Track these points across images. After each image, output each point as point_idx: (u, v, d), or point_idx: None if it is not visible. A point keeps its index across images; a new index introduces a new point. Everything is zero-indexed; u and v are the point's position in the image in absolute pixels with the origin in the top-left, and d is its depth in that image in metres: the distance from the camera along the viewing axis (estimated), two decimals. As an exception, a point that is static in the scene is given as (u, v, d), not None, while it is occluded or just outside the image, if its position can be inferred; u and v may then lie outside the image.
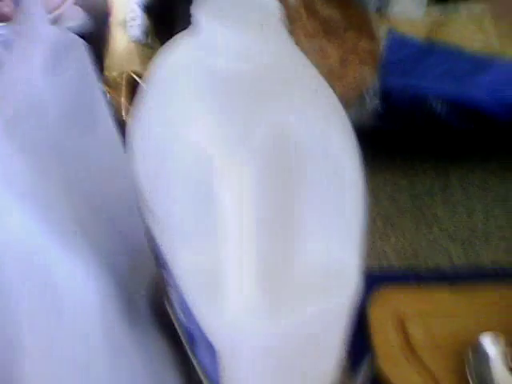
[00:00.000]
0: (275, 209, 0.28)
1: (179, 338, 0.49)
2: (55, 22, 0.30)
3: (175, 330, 0.50)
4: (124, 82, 0.57)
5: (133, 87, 0.58)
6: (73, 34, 0.31)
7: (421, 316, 0.50)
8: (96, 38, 0.32)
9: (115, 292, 0.37)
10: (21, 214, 0.27)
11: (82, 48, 0.32)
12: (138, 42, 0.61)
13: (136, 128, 0.34)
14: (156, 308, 0.47)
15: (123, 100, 0.57)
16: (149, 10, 0.64)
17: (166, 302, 0.50)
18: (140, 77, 0.58)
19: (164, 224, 0.33)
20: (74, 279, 0.30)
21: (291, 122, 0.27)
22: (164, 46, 0.32)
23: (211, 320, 0.32)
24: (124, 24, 0.62)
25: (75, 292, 0.30)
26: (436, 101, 0.59)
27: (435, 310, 0.50)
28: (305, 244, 0.30)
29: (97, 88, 0.34)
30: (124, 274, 0.40)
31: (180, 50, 0.30)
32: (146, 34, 0.62)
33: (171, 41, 0.32)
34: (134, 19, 0.62)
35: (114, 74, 0.58)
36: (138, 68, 0.58)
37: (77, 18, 0.30)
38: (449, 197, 0.64)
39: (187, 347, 0.47)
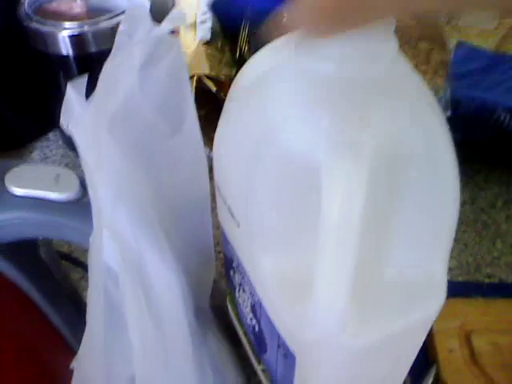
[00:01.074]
0: (375, 220, 0.27)
1: (238, 342, 0.49)
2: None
3: (234, 334, 0.50)
4: (194, 84, 0.57)
5: (201, 90, 0.58)
6: (170, 35, 0.31)
7: (487, 330, 0.49)
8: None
9: (188, 290, 0.37)
10: (122, 212, 0.27)
11: (178, 49, 0.32)
12: (207, 44, 0.61)
13: (223, 133, 0.34)
14: (215, 312, 0.47)
15: (192, 102, 0.57)
16: (217, 12, 0.64)
17: (229, 306, 0.50)
18: (209, 79, 0.58)
19: (248, 229, 0.33)
20: (162, 274, 0.31)
21: (397, 131, 0.26)
22: (254, 51, 0.32)
23: (295, 328, 0.31)
24: (193, 27, 0.63)
25: (164, 286, 0.31)
26: (504, 113, 0.58)
27: (503, 325, 0.49)
28: (397, 256, 0.30)
29: (188, 88, 0.34)
30: (193, 276, 0.40)
31: (277, 55, 0.30)
32: (215, 37, 0.62)
33: (261, 47, 0.32)
34: (204, 22, 0.62)
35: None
36: (206, 71, 0.58)
37: (179, 19, 0.30)
38: (512, 211, 0.63)
39: (251, 352, 0.47)
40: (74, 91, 0.25)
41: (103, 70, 0.28)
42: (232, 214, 0.35)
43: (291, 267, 0.30)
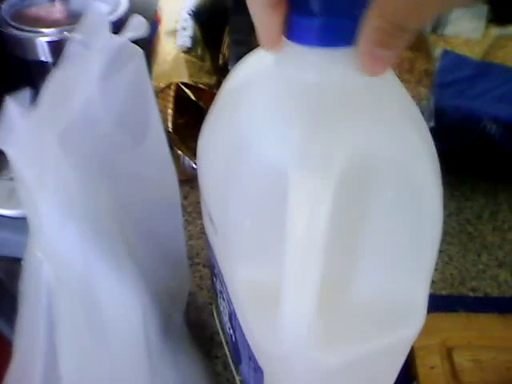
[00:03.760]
0: (344, 234, 0.26)
1: (213, 355, 0.48)
2: (116, 30, 0.29)
3: (209, 346, 0.49)
4: (172, 93, 0.56)
5: (180, 98, 0.57)
6: (132, 44, 0.30)
7: (469, 346, 0.48)
8: (143, 46, 0.31)
9: (155, 308, 0.36)
10: (73, 232, 0.26)
11: (140, 58, 0.31)
12: (187, 52, 0.60)
13: (206, 139, 0.33)
14: (191, 326, 0.46)
15: (170, 111, 0.56)
16: (199, 20, 0.63)
17: (214, 313, 0.49)
18: (188, 87, 0.57)
19: (224, 236, 0.32)
20: (118, 296, 0.29)
21: (372, 144, 0.25)
22: (239, 59, 0.32)
23: (262, 341, 0.30)
24: (174, 33, 0.61)
25: (119, 309, 0.29)
26: (490, 123, 0.57)
27: (485, 341, 0.48)
28: (371, 276, 0.29)
29: (151, 99, 0.33)
30: (163, 290, 0.39)
31: (260, 63, 0.29)
32: (196, 44, 0.61)
33: (247, 55, 0.31)
34: (184, 29, 0.61)
35: (162, 84, 0.57)
36: (186, 79, 0.57)
37: (139, 28, 0.29)
38: (498, 223, 0.61)
39: (231, 362, 0.46)
40: (15, 104, 0.24)
41: (51, 79, 0.26)
42: (212, 221, 0.34)
43: (263, 279, 0.29)
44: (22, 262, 0.27)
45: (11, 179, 0.32)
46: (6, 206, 0.29)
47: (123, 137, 0.31)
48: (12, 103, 0.24)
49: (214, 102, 0.32)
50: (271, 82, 0.27)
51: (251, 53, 0.31)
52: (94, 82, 0.29)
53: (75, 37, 0.28)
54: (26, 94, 0.25)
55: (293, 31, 0.24)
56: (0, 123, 0.24)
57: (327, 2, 0.23)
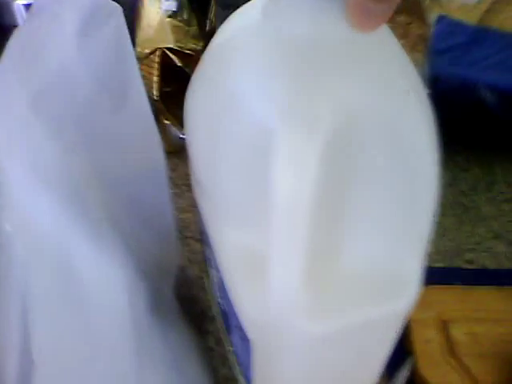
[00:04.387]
0: (332, 198, 0.25)
1: (205, 329, 0.47)
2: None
3: (201, 321, 0.48)
4: (157, 59, 0.54)
5: (167, 66, 0.55)
6: (110, 1, 0.28)
7: (465, 319, 0.46)
8: (127, 10, 0.29)
9: (142, 282, 0.34)
10: (47, 200, 0.24)
11: (118, 15, 0.29)
12: (172, 16, 0.58)
13: (193, 98, 0.31)
14: (182, 301, 0.45)
15: (156, 78, 0.54)
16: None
17: (205, 282, 0.48)
18: (173, 53, 0.55)
19: (212, 199, 0.31)
20: (100, 268, 0.28)
21: (362, 102, 0.23)
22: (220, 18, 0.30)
23: (249, 308, 0.29)
24: (159, -3, 0.59)
25: (101, 282, 0.28)
26: (486, 91, 0.56)
27: (481, 314, 0.47)
28: (360, 241, 0.27)
29: (131, 59, 0.31)
30: (150, 263, 0.37)
31: (246, 19, 0.27)
32: (182, 9, 0.59)
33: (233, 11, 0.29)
34: (169, -7, 0.59)
35: (147, 50, 0.55)
36: (171, 44, 0.55)
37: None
38: (494, 194, 0.60)
39: (222, 332, 0.45)
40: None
41: (17, 36, 0.24)
42: (199, 183, 0.33)
43: (251, 243, 0.28)
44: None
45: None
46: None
47: (102, 99, 0.29)
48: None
49: (200, 62, 0.31)
50: (258, 36, 0.25)
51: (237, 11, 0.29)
52: (71, 40, 0.26)
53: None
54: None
55: None
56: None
57: None
